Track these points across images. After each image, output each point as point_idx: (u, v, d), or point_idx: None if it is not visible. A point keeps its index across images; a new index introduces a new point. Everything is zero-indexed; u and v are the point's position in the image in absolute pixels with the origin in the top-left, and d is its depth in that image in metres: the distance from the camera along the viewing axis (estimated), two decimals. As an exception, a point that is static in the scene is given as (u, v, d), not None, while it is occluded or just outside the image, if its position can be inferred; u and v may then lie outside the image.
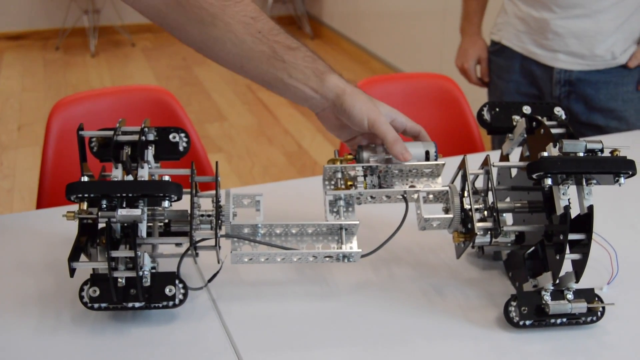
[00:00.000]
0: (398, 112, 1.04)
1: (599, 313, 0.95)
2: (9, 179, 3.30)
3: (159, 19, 0.99)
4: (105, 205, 0.88)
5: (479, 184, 1.05)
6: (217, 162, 1.03)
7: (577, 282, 0.93)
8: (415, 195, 1.01)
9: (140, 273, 0.89)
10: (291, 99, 1.01)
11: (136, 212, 0.88)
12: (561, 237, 0.90)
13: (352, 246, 0.98)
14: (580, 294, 0.94)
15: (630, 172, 0.91)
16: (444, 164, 1.02)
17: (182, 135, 0.99)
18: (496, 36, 1.91)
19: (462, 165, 1.01)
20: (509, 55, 1.86)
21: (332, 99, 0.99)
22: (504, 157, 1.09)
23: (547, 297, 0.93)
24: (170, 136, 0.99)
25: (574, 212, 0.92)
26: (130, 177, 0.93)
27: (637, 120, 1.79)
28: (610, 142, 0.95)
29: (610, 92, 1.75)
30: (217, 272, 1.01)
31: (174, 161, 1.01)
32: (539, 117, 1.00)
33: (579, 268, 0.92)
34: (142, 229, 0.91)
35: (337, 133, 1.05)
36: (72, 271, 0.90)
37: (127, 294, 0.91)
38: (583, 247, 0.91)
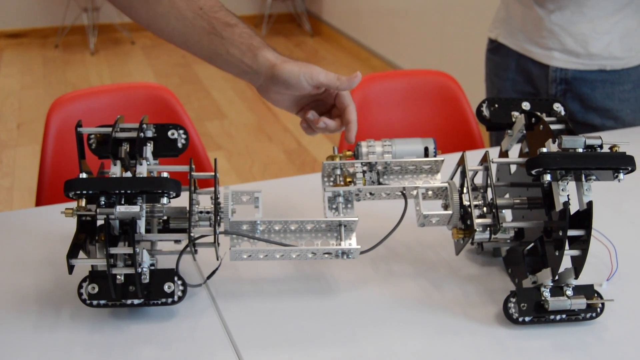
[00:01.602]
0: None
1: (599, 309, 0.95)
2: (8, 176, 3.30)
3: None
4: (103, 202, 0.88)
5: (478, 180, 1.05)
6: (215, 159, 1.03)
7: (576, 278, 0.93)
8: (415, 192, 1.01)
9: (139, 270, 0.89)
10: (231, 73, 1.07)
11: (135, 208, 0.87)
12: (560, 233, 0.90)
13: (351, 243, 0.98)
14: (580, 290, 0.94)
15: (630, 168, 0.91)
16: (443, 160, 1.02)
17: (181, 132, 0.99)
18: (493, 34, 1.90)
19: (462, 162, 1.01)
20: (505, 53, 1.85)
21: (265, 72, 1.03)
22: (503, 154, 1.09)
23: (546, 293, 0.93)
24: (169, 133, 0.99)
25: (574, 208, 0.92)
26: (128, 174, 0.93)
27: (634, 120, 1.78)
28: (609, 139, 0.95)
29: (607, 91, 1.74)
30: (216, 268, 1.01)
31: (173, 158, 1.00)
32: (538, 113, 1.00)
33: (578, 264, 0.92)
34: (141, 225, 0.91)
35: (282, 105, 1.08)
36: (70, 268, 0.89)
37: (126, 290, 0.91)
38: (582, 243, 0.91)
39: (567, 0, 1.66)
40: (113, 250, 0.89)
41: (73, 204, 0.91)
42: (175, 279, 0.93)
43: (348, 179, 1.01)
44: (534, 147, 0.97)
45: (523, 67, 1.82)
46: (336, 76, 1.02)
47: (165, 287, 0.92)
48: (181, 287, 0.93)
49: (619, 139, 0.96)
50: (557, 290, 0.93)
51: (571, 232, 0.91)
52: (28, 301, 0.98)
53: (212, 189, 0.96)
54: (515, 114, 1.04)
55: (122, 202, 0.88)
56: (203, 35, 1.04)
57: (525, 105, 1.04)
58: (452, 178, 1.04)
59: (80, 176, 0.90)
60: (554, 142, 0.93)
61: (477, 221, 0.97)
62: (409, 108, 1.89)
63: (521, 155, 1.03)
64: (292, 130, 3.80)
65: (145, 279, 0.91)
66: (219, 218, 0.95)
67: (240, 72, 1.05)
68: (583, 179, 0.93)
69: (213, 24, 1.03)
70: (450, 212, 0.99)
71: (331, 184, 1.02)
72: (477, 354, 0.91)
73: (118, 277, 0.90)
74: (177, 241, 0.96)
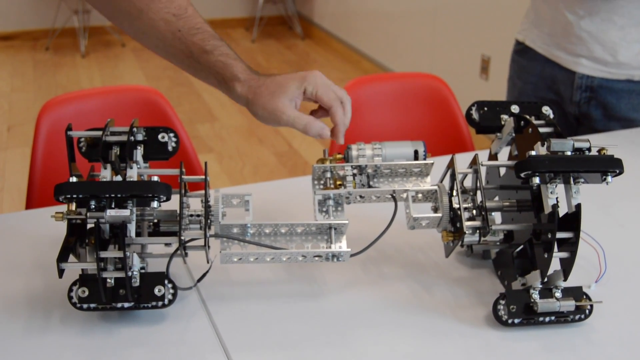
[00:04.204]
0: (308, 80, 1.01)
1: (587, 311, 0.95)
2: (-2, 179, 3.28)
3: (95, 4, 1.06)
4: (94, 206, 0.88)
5: (468, 183, 1.06)
6: (205, 162, 1.03)
7: (565, 280, 0.94)
8: (404, 195, 1.02)
9: (130, 273, 0.89)
10: None
11: (125, 212, 0.87)
12: (549, 236, 0.91)
13: (342, 245, 0.98)
14: (569, 292, 0.95)
15: (618, 171, 0.92)
16: (432, 163, 1.02)
17: (171, 135, 0.99)
18: (520, 35, 1.86)
19: (451, 165, 1.02)
20: (531, 56, 1.82)
21: (242, 103, 1.02)
22: (493, 156, 1.10)
23: (535, 295, 0.93)
24: (159, 136, 0.99)
25: (562, 210, 0.92)
26: (119, 178, 0.93)
27: None
28: (598, 142, 0.96)
29: (632, 102, 1.70)
30: (207, 272, 1.01)
31: (163, 161, 1.01)
32: (527, 117, 1.00)
33: (567, 266, 0.93)
34: (131, 229, 0.91)
35: None
36: (60, 272, 0.89)
37: (116, 294, 0.91)
38: (571, 246, 0.92)
39: (598, 6, 1.63)
40: (103, 254, 0.89)
41: (63, 208, 0.91)
42: (166, 282, 0.93)
43: (338, 182, 1.01)
44: (523, 150, 0.98)
45: (548, 72, 1.78)
46: (303, 127, 0.99)
47: (156, 291, 0.92)
48: (171, 291, 0.93)
49: (609, 141, 0.97)
50: (546, 292, 0.94)
51: (560, 235, 0.91)
52: (18, 305, 0.98)
53: (203, 192, 0.96)
54: (505, 117, 1.05)
55: (113, 206, 0.88)
56: (183, 58, 1.03)
57: (514, 109, 1.05)
58: (441, 181, 1.05)
59: (70, 180, 0.90)
60: (542, 145, 0.94)
61: (467, 224, 0.98)
62: (400, 111, 1.89)
63: (510, 158, 1.04)
64: (283, 132, 3.80)
65: (136, 282, 0.91)
66: (209, 221, 0.95)
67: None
68: (571, 181, 0.93)
69: (190, 48, 1.02)
70: (440, 214, 1.00)
71: (321, 187, 1.02)
72: (467, 355, 0.91)
73: (108, 280, 0.90)
74: (167, 244, 0.96)
